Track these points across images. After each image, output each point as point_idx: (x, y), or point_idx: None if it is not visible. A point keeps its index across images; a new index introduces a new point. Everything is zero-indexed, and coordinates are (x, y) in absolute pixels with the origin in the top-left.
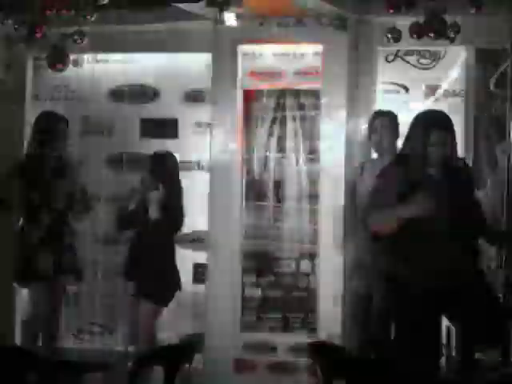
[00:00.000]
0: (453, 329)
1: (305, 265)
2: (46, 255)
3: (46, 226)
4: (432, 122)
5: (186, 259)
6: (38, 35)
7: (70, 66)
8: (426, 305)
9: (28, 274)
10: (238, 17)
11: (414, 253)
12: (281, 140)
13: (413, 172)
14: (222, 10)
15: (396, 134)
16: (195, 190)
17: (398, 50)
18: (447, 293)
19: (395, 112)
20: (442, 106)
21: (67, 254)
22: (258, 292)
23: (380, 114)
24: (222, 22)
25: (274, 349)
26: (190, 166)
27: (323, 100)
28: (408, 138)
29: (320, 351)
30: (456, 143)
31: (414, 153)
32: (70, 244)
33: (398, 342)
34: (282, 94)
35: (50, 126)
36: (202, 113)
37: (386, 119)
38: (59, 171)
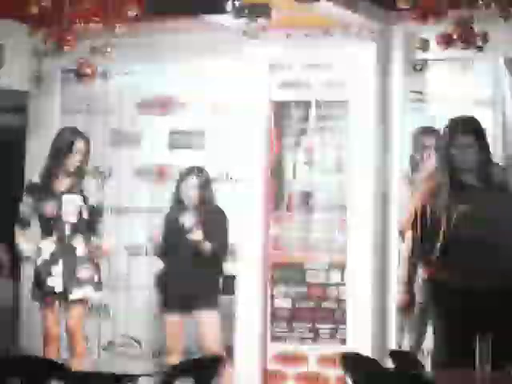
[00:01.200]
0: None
1: (334, 275)
2: (55, 270)
3: (58, 240)
4: (457, 127)
5: None
6: (67, 48)
7: (99, 78)
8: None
9: (39, 289)
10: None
11: (454, 258)
12: (309, 151)
13: (446, 179)
14: (249, 22)
15: None
16: (223, 201)
17: (426, 60)
18: (485, 307)
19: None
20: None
21: (81, 265)
22: (288, 303)
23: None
24: (249, 33)
25: (303, 360)
26: (218, 177)
27: (351, 110)
28: (438, 147)
29: (352, 362)
30: (487, 147)
31: (443, 159)
32: (84, 255)
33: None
34: (309, 104)
35: (66, 142)
36: (230, 124)
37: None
38: (74, 186)
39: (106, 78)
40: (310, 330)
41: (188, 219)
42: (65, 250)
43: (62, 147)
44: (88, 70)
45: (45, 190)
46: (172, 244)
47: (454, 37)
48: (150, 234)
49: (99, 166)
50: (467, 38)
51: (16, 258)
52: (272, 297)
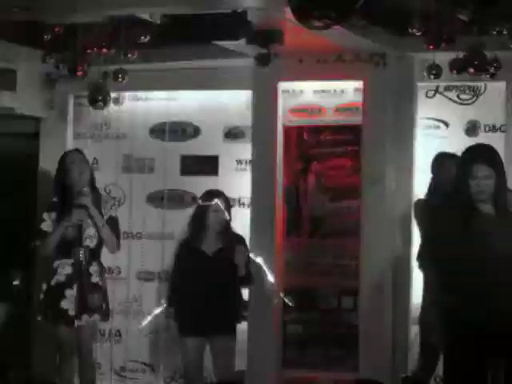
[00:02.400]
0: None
1: (346, 301)
2: (69, 293)
3: (75, 264)
4: (473, 156)
5: None
6: (79, 73)
7: (111, 104)
8: (476, 342)
9: (52, 313)
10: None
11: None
12: (321, 176)
13: (462, 209)
14: (262, 48)
15: None
16: (236, 226)
17: (438, 86)
18: (496, 334)
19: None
20: (483, 141)
21: (94, 292)
22: (300, 328)
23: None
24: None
25: None
26: (230, 202)
27: (364, 136)
28: (456, 176)
29: None
30: (503, 176)
31: (459, 189)
32: (97, 283)
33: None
34: (322, 130)
35: (67, 165)
36: (243, 150)
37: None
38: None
39: (119, 103)
40: (322, 355)
41: (211, 245)
42: (80, 275)
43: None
44: (100, 96)
45: (67, 210)
46: (191, 270)
47: (467, 63)
48: (162, 259)
49: (111, 192)
50: (479, 64)
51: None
52: (284, 322)
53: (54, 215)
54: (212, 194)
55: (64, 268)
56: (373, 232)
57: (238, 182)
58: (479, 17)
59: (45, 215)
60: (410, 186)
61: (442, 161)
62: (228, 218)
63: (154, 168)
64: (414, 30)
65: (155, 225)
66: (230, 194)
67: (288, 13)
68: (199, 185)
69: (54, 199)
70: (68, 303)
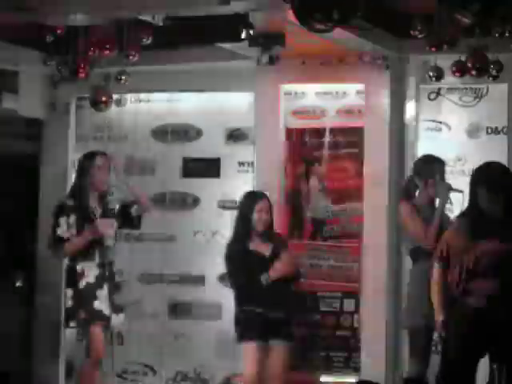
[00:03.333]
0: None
1: (348, 303)
2: (101, 294)
3: (100, 265)
4: (480, 180)
5: (229, 298)
6: (81, 75)
7: (113, 105)
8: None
9: (86, 315)
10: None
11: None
12: (323, 179)
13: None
14: (264, 50)
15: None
16: None
17: (440, 88)
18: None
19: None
20: (485, 144)
21: (118, 292)
22: (301, 331)
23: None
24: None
25: None
26: (232, 205)
27: (365, 138)
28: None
29: None
30: None
31: (471, 208)
32: (119, 282)
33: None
34: (324, 132)
35: (91, 164)
36: (245, 152)
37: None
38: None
39: (121, 105)
40: (324, 358)
41: (258, 245)
42: (107, 275)
43: (84, 164)
44: (102, 98)
45: (82, 211)
46: (243, 272)
47: (469, 65)
48: (163, 261)
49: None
50: (481, 66)
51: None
52: None
53: (72, 219)
54: (255, 194)
55: (92, 269)
56: (375, 234)
57: (239, 184)
58: (481, 19)
59: (61, 220)
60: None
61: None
62: (271, 217)
63: (156, 170)
64: (416, 33)
65: (157, 227)
66: (231, 196)
67: (290, 15)
68: (201, 187)
69: (70, 202)
70: (101, 304)
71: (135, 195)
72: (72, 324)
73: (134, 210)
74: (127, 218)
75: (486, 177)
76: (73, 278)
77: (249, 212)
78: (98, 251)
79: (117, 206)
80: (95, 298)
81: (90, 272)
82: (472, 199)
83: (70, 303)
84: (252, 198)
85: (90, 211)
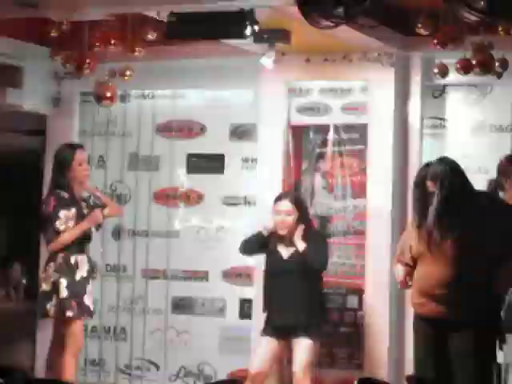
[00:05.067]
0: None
1: (352, 300)
2: (88, 289)
3: (88, 259)
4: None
5: (232, 294)
6: (86, 71)
7: (118, 101)
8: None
9: (78, 309)
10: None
11: None
12: (327, 176)
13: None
14: (269, 46)
15: None
16: (242, 225)
17: (445, 86)
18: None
19: None
20: (489, 142)
21: (78, 288)
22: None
23: None
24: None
25: None
26: (236, 201)
27: (369, 135)
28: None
29: None
30: None
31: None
32: (83, 278)
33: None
34: (328, 129)
35: (64, 157)
36: (249, 148)
37: None
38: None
39: (125, 101)
40: (327, 354)
41: (285, 247)
42: (94, 269)
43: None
44: (107, 93)
45: (78, 204)
46: (270, 272)
47: (473, 63)
48: (167, 257)
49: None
50: (486, 64)
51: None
52: None
53: (73, 212)
54: (279, 196)
55: (84, 263)
56: (378, 231)
57: (243, 181)
58: (487, 16)
59: (62, 213)
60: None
61: None
62: (293, 220)
63: (160, 166)
64: (422, 30)
65: (161, 223)
66: (235, 192)
67: (296, 12)
68: (205, 183)
69: (65, 195)
70: (88, 299)
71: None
72: (69, 314)
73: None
74: None
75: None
76: (69, 268)
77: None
78: (87, 245)
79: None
80: (85, 292)
81: (83, 265)
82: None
83: (65, 293)
84: (275, 199)
85: (84, 204)
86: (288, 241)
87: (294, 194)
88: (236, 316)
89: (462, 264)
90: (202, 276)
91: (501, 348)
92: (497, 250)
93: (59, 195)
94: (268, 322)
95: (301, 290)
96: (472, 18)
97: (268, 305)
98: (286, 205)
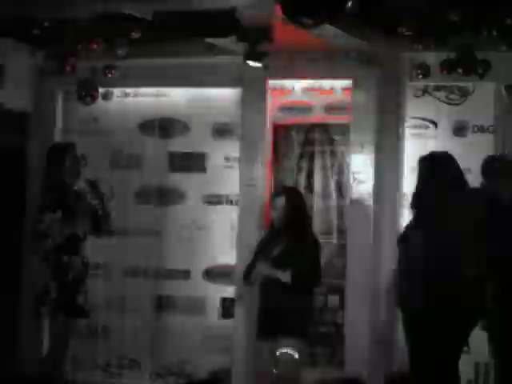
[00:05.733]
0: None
1: (333, 300)
2: (82, 289)
3: (81, 258)
4: None
5: (213, 293)
6: (69, 68)
7: (100, 99)
8: None
9: (69, 309)
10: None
11: None
12: (309, 175)
13: None
14: (251, 45)
15: None
16: (223, 223)
17: (427, 86)
18: None
19: None
20: (471, 142)
21: (70, 289)
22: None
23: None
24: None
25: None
26: (218, 200)
27: (352, 135)
28: None
29: None
30: None
31: None
32: (76, 278)
33: None
34: (310, 128)
35: (56, 157)
36: (231, 147)
37: None
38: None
39: (108, 99)
40: (309, 353)
41: (278, 245)
42: (86, 269)
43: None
44: (90, 92)
45: (65, 206)
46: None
47: (456, 63)
48: (148, 256)
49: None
50: (469, 64)
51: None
52: None
53: (58, 214)
54: (278, 191)
55: (77, 263)
56: (359, 231)
57: (226, 180)
58: (469, 18)
59: (46, 216)
60: (398, 185)
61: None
62: (294, 214)
63: (142, 164)
64: (404, 30)
65: (142, 221)
66: (218, 191)
67: (278, 11)
68: (187, 182)
69: (53, 196)
70: (82, 298)
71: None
72: (59, 316)
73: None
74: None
75: None
76: (60, 270)
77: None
78: (80, 246)
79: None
80: (78, 292)
81: (75, 266)
82: None
83: (55, 295)
84: (274, 195)
85: (72, 206)
86: (283, 238)
87: (292, 189)
88: (217, 315)
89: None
90: (184, 275)
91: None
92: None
93: (47, 197)
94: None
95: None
96: (455, 18)
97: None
98: (282, 200)
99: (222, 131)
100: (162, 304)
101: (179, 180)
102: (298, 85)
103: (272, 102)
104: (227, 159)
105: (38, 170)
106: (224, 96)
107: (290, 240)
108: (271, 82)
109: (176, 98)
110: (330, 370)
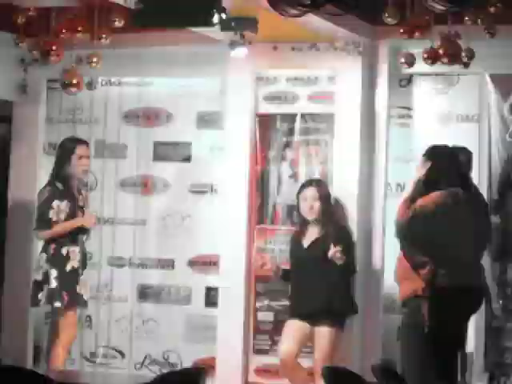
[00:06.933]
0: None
1: None
2: (81, 279)
3: (81, 249)
4: None
5: (198, 282)
6: (53, 58)
7: (84, 88)
8: None
9: (69, 298)
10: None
11: None
12: (294, 164)
13: None
14: (236, 34)
15: None
16: (208, 213)
17: (412, 75)
18: None
19: None
20: (456, 132)
21: (70, 278)
22: (271, 316)
23: None
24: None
25: None
26: (203, 189)
27: (336, 124)
28: None
29: (335, 377)
30: None
31: None
32: (75, 268)
33: None
34: (295, 118)
35: (70, 151)
36: (216, 137)
37: None
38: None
39: (92, 88)
40: None
41: (308, 236)
42: (85, 260)
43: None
44: (74, 80)
45: (72, 198)
46: (297, 263)
47: (441, 52)
48: (134, 245)
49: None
50: (453, 53)
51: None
52: (255, 310)
53: (64, 205)
54: (303, 184)
55: (76, 254)
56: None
57: (210, 169)
58: (454, 6)
59: (54, 203)
60: (383, 174)
61: None
62: (325, 205)
63: (127, 154)
64: (389, 19)
65: (127, 210)
66: (202, 180)
67: (263, 0)
68: (172, 171)
69: (60, 187)
70: (81, 288)
71: None
72: (57, 304)
73: None
74: None
75: None
76: (59, 259)
77: (297, 202)
78: (80, 237)
79: None
80: (77, 282)
81: (75, 256)
82: None
83: (54, 284)
84: (301, 187)
85: (77, 199)
86: (314, 229)
87: (319, 180)
88: (202, 304)
89: None
90: (168, 264)
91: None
92: None
93: (55, 186)
94: (292, 308)
95: (321, 278)
96: (439, 7)
97: (292, 292)
98: (313, 190)
99: (206, 120)
100: (146, 293)
101: (163, 169)
102: (283, 74)
103: (256, 92)
104: (212, 148)
105: (22, 158)
106: (208, 85)
107: (327, 226)
108: (256, 72)
109: (160, 86)
110: None
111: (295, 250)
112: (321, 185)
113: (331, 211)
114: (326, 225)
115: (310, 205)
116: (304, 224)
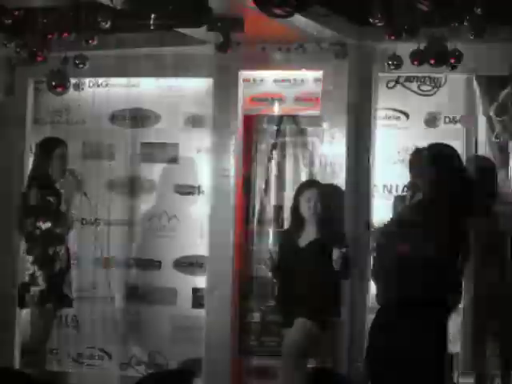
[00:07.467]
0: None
1: None
2: (67, 280)
3: (40, 249)
4: None
5: (185, 284)
6: (39, 59)
7: (71, 89)
8: None
9: (56, 299)
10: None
11: None
12: (281, 165)
13: None
14: (223, 35)
15: None
16: (195, 214)
17: (399, 77)
18: None
19: None
20: (443, 133)
21: (57, 279)
22: (258, 317)
23: None
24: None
25: (273, 373)
26: (189, 190)
27: (323, 126)
28: None
29: (319, 377)
30: None
31: None
32: (62, 269)
33: None
34: (282, 119)
35: (50, 151)
36: (203, 138)
37: None
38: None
39: (79, 89)
40: (280, 344)
41: (306, 236)
42: (69, 259)
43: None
44: (60, 82)
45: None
46: (289, 261)
47: (427, 54)
48: (120, 246)
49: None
50: (440, 55)
51: None
52: (242, 311)
53: (43, 205)
54: (304, 184)
55: (63, 254)
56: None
57: (197, 170)
58: (440, 8)
59: (34, 203)
60: (370, 176)
61: None
62: (321, 208)
63: (114, 155)
64: (376, 20)
65: (114, 211)
66: (189, 181)
67: (249, 0)
68: (159, 172)
69: (39, 186)
70: (67, 288)
71: None
72: (48, 305)
73: None
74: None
75: None
76: (46, 260)
77: (297, 202)
78: (66, 237)
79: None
80: (64, 282)
81: (61, 256)
82: None
83: (43, 285)
84: (301, 188)
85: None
86: (311, 229)
87: (317, 182)
88: (188, 305)
89: None
90: (154, 264)
91: None
92: None
93: (34, 186)
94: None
95: (315, 279)
96: (426, 8)
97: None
98: (314, 191)
99: (193, 122)
100: (132, 294)
101: (150, 170)
102: (270, 76)
103: (243, 93)
104: (199, 150)
105: (8, 160)
106: (195, 86)
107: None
108: (243, 73)
109: (147, 88)
110: None
111: (288, 250)
112: (322, 186)
113: (332, 212)
114: (326, 226)
115: (311, 205)
116: (301, 224)
